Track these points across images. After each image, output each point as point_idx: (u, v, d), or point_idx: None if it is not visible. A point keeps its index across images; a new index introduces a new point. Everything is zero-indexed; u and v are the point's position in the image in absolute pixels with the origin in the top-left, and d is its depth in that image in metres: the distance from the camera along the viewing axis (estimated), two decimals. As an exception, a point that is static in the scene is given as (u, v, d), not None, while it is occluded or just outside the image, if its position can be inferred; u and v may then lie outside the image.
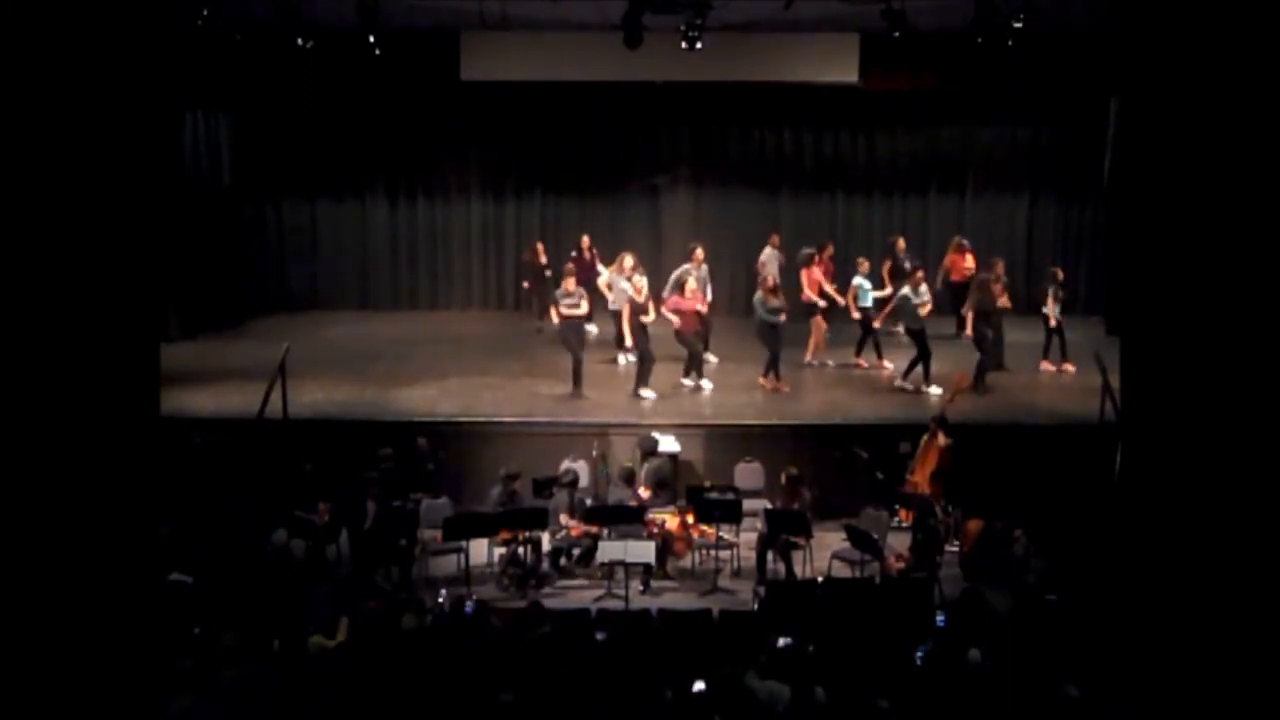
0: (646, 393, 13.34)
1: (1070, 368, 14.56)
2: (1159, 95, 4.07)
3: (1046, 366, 14.67)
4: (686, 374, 13.86)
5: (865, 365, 14.81)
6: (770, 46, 15.34)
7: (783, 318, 13.70)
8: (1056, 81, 15.46)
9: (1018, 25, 13.49)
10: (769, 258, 15.76)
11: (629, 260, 14.45)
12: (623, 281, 14.13)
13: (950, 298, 16.19)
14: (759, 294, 13.77)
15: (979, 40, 13.89)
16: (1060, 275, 15.00)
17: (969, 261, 16.09)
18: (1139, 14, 4.20)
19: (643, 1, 13.01)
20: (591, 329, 14.88)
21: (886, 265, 16.29)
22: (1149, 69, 4.12)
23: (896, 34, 13.41)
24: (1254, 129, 3.88)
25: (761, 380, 13.74)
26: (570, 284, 13.48)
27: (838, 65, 15.46)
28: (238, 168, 17.41)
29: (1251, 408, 3.93)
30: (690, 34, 13.52)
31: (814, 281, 14.87)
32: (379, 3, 13.30)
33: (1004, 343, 14.55)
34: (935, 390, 13.52)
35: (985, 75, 15.01)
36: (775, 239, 16.18)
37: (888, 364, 14.72)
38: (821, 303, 14.92)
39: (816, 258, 15.10)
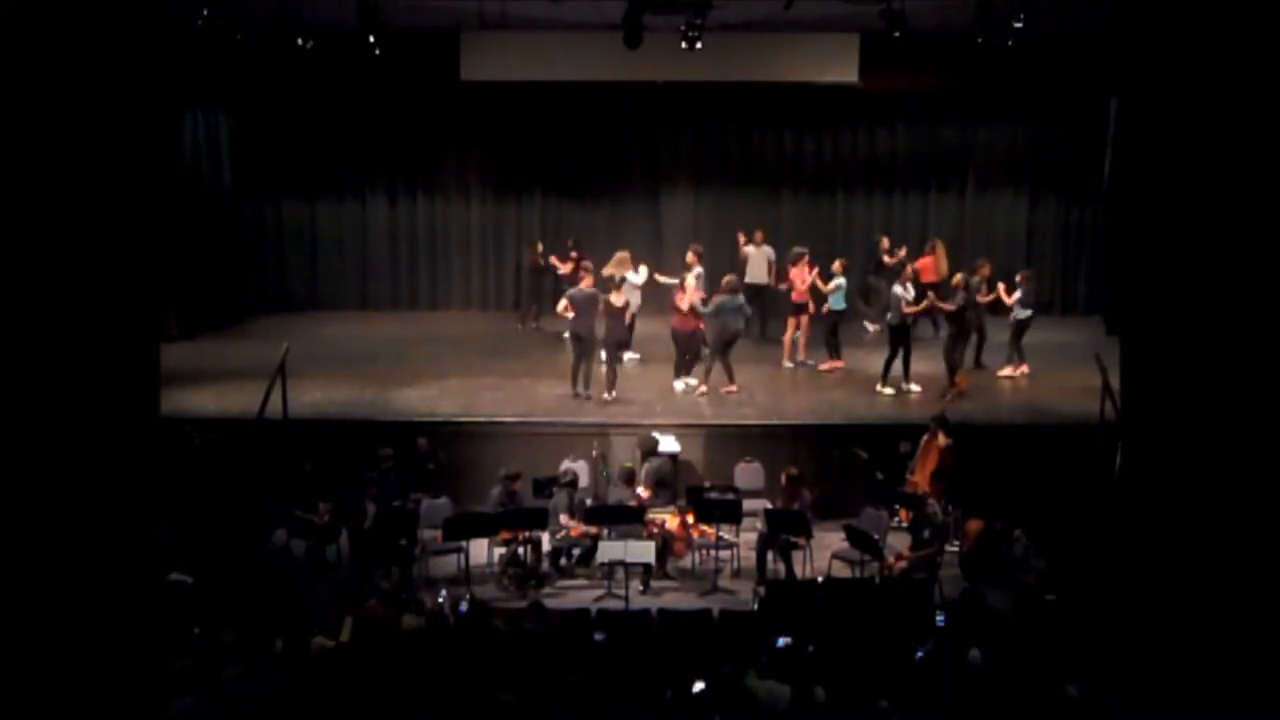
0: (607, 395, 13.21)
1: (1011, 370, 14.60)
2: (1159, 95, 4.07)
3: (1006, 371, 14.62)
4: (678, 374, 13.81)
5: (843, 365, 14.76)
6: (770, 46, 15.33)
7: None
8: (1056, 81, 15.47)
9: (1018, 25, 13.49)
10: (748, 255, 15.76)
11: (624, 256, 14.50)
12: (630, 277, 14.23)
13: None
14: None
15: (979, 40, 13.90)
16: (1021, 278, 14.77)
17: (928, 261, 15.94)
18: (1139, 14, 4.20)
19: (643, 1, 13.01)
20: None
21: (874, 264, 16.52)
22: (1149, 69, 4.11)
23: (896, 34, 13.41)
24: (1254, 129, 3.88)
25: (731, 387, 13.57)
26: (588, 282, 13.51)
27: (838, 65, 15.46)
28: (238, 168, 17.41)
29: (1252, 407, 3.93)
30: (690, 34, 13.52)
31: (802, 279, 14.87)
32: (379, 3, 13.30)
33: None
34: (915, 388, 13.62)
35: (985, 75, 15.01)
36: (759, 235, 16.09)
37: (840, 363, 14.76)
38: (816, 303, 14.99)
39: (805, 257, 15.03)
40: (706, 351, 13.69)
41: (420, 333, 16.99)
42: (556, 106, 17.22)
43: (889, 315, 13.90)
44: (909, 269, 14.19)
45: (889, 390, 13.63)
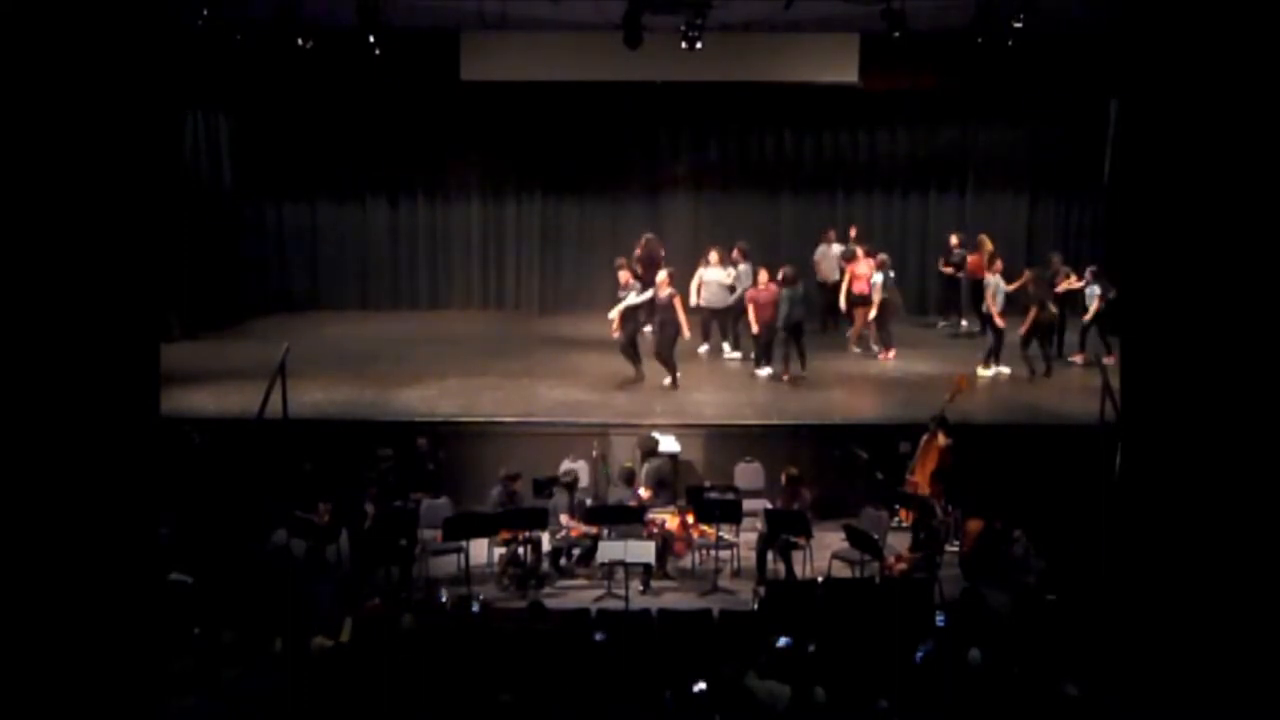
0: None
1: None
2: (1159, 95, 4.07)
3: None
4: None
5: (890, 357, 15.07)
6: (770, 46, 15.33)
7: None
8: (1056, 81, 15.47)
9: (1018, 25, 13.49)
10: (822, 255, 16.29)
11: (714, 255, 15.03)
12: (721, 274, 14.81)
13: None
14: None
15: (979, 40, 13.89)
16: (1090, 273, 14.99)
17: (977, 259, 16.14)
18: (1139, 14, 4.20)
19: (643, 1, 13.01)
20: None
21: (940, 262, 16.97)
22: (1149, 69, 4.12)
23: (896, 34, 13.42)
24: (1254, 129, 3.88)
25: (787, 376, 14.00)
26: (626, 278, 13.82)
27: (838, 65, 15.46)
28: (238, 168, 17.40)
29: (1251, 407, 3.93)
30: (690, 34, 13.53)
31: (860, 275, 15.22)
32: (379, 3, 13.29)
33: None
34: (1006, 370, 14.21)
35: (985, 75, 15.02)
36: (831, 234, 16.55)
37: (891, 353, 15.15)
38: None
39: (861, 252, 15.50)
40: (782, 337, 14.08)
41: (420, 333, 16.98)
42: (556, 106, 17.20)
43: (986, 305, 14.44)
44: (998, 263, 14.68)
45: (1004, 369, 14.25)
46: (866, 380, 14.31)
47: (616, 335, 13.67)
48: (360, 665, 7.56)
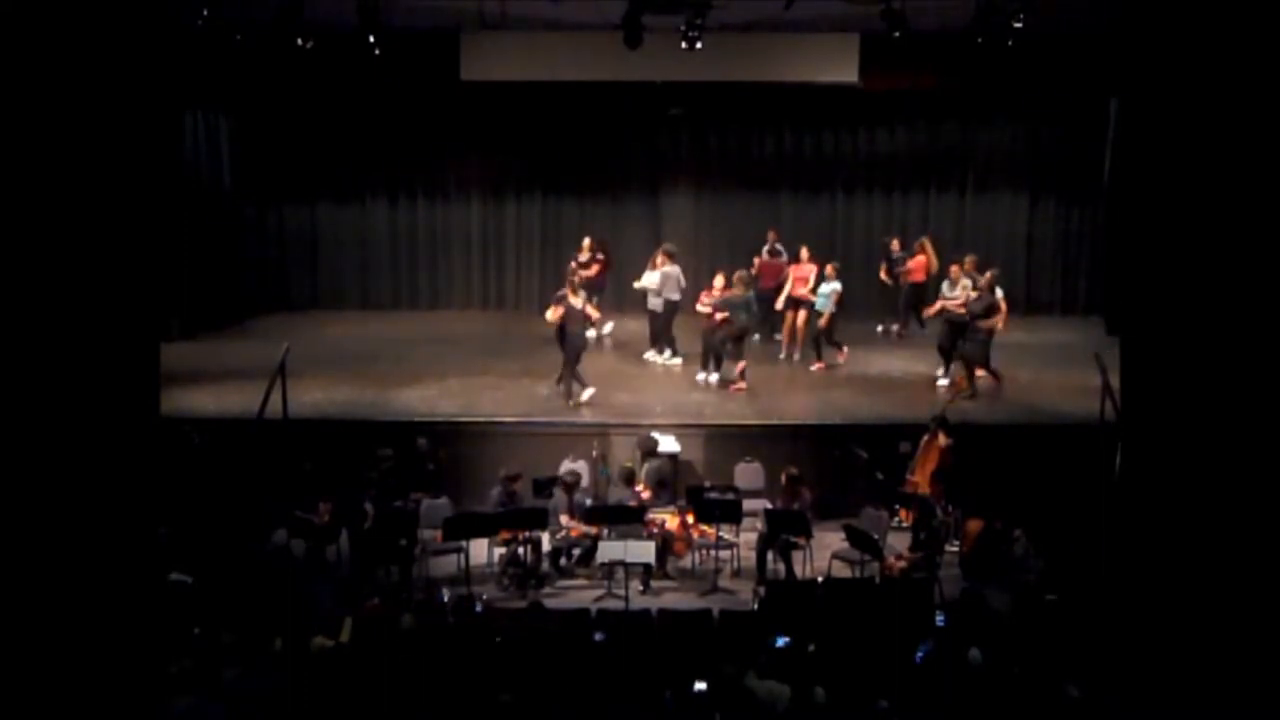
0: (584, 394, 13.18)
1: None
2: (1159, 95, 4.07)
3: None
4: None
5: (825, 366, 14.76)
6: (770, 46, 15.33)
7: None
8: (1056, 81, 15.47)
9: (1018, 25, 13.49)
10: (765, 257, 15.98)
11: (659, 258, 14.76)
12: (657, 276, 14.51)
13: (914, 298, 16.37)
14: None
15: (979, 40, 13.89)
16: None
17: (920, 262, 16.07)
18: (1139, 14, 4.20)
19: (643, 1, 13.02)
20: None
21: (884, 267, 16.67)
22: (1149, 69, 4.12)
23: (896, 34, 13.41)
24: (1254, 129, 3.88)
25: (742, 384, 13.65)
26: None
27: (838, 65, 15.45)
28: (238, 168, 17.42)
29: (1252, 407, 3.93)
30: (690, 34, 13.53)
31: (797, 279, 15.00)
32: (379, 3, 13.30)
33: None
34: (944, 383, 13.77)
35: (985, 75, 15.00)
36: (771, 235, 16.27)
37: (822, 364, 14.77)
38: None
39: (805, 255, 15.25)
40: (730, 347, 13.74)
41: (420, 333, 16.99)
42: (556, 106, 17.21)
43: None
44: (954, 268, 14.11)
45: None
46: (866, 380, 14.30)
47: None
48: (360, 665, 7.56)
